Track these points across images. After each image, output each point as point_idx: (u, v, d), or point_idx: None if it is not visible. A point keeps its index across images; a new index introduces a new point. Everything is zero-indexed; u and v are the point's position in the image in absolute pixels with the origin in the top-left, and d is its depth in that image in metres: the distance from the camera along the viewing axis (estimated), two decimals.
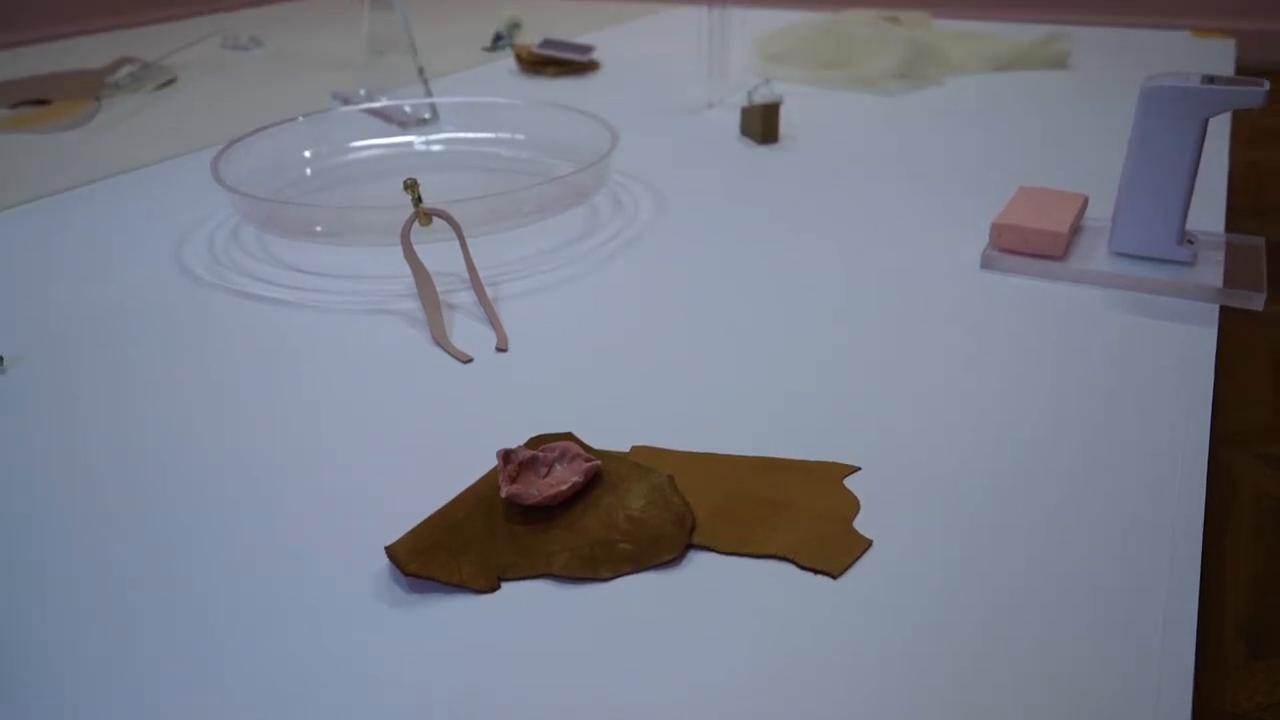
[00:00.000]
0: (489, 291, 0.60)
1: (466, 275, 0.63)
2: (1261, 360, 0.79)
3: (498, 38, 1.44)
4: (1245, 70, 2.03)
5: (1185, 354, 0.51)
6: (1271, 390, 0.74)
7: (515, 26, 1.47)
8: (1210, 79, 0.57)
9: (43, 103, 1.13)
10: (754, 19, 1.65)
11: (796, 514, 0.39)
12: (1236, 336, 0.83)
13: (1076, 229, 0.65)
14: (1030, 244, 0.61)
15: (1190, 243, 0.61)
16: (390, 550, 0.36)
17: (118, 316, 0.58)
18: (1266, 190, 1.19)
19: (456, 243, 0.64)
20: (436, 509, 0.39)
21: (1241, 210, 1.11)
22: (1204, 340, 0.52)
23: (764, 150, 0.88)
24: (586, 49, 1.24)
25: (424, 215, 0.59)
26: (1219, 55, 1.27)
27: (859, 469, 0.42)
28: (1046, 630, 0.33)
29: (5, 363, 0.53)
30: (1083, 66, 1.22)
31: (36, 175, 0.86)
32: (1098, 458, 0.42)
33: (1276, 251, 1.00)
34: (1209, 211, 0.71)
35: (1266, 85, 0.55)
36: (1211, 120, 0.62)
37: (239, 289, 0.62)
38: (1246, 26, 2.06)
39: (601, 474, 0.41)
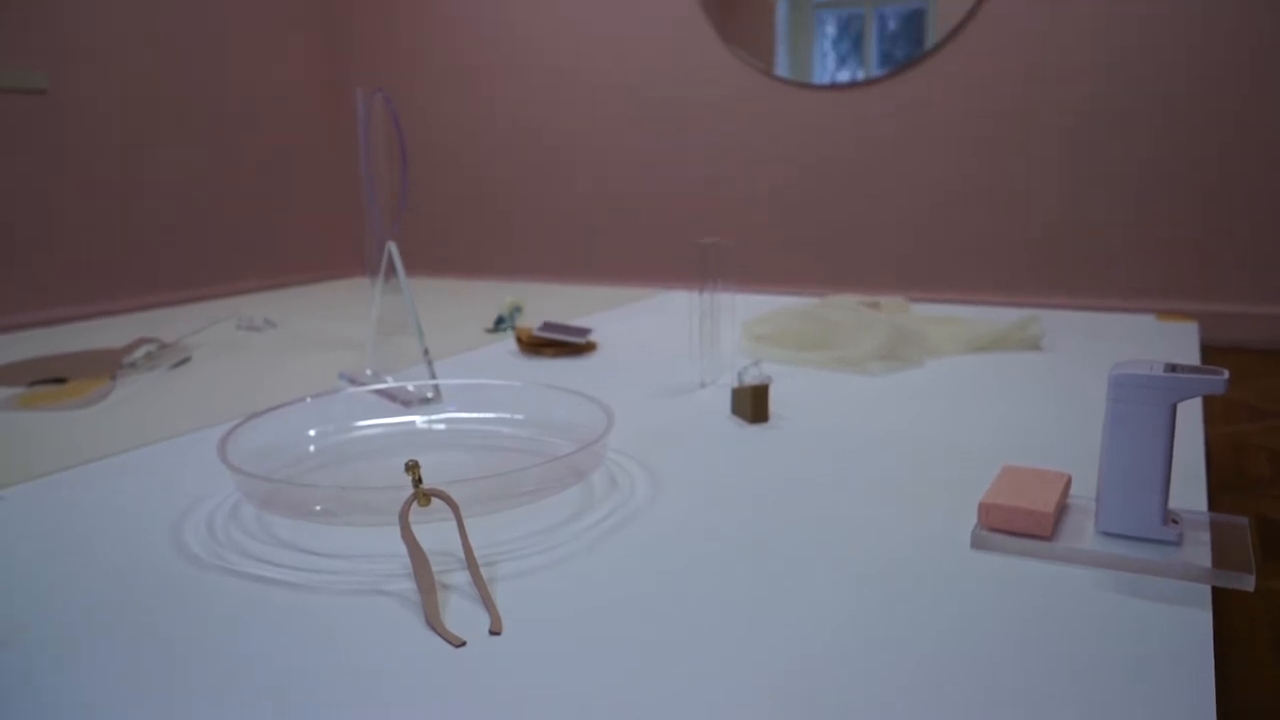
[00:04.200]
0: (484, 572, 0.61)
1: (463, 555, 0.63)
2: (1263, 638, 0.78)
3: (499, 320, 1.52)
4: (1209, 347, 2.13)
5: (1182, 636, 0.51)
6: (1276, 668, 0.73)
7: (517, 310, 1.56)
8: (1173, 367, 0.60)
9: (59, 381, 1.17)
10: (742, 303, 1.75)
11: None
12: (1235, 613, 0.82)
13: (1063, 508, 0.66)
14: (1018, 523, 0.62)
15: (1175, 522, 0.62)
16: None
17: (110, 596, 0.58)
18: (1246, 464, 1.22)
19: (454, 521, 0.65)
20: None
21: (1224, 485, 1.13)
22: (1199, 622, 0.52)
23: (755, 430, 0.91)
24: (584, 331, 1.31)
25: (423, 496, 0.61)
26: (1184, 337, 1.35)
27: None
28: None
29: None
30: (1056, 348, 1.28)
31: (47, 453, 0.88)
32: None
33: (1267, 526, 1.01)
34: (1191, 489, 0.73)
35: (1226, 374, 0.58)
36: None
37: (234, 568, 0.62)
38: (1208, 308, 2.19)
39: None
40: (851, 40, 2.47)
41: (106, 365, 1.25)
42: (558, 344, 1.30)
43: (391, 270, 1.19)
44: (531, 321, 1.57)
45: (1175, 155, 2.19)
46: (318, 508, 0.66)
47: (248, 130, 2.96)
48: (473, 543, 0.65)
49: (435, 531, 0.67)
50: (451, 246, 3.18)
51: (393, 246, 1.18)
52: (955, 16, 2.35)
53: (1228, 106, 2.13)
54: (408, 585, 0.59)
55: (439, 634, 0.53)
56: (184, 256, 2.79)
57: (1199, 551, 0.59)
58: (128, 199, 2.61)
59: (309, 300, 1.93)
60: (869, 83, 2.48)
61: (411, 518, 0.62)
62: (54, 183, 2.44)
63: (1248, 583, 0.56)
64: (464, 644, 0.52)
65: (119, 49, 2.56)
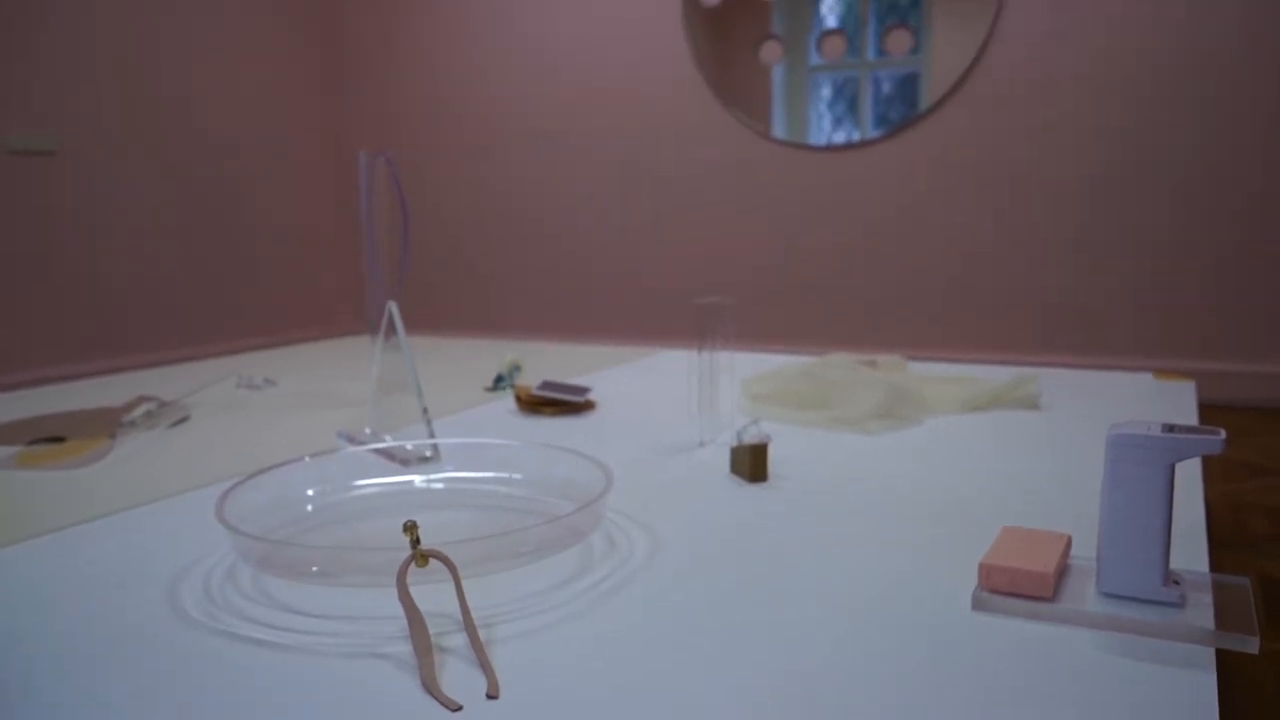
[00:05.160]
0: (482, 634, 0.60)
1: (460, 617, 0.63)
2: (1269, 695, 0.77)
3: (499, 379, 1.52)
4: (1206, 406, 2.14)
5: (1186, 700, 0.50)
6: None
7: (516, 369, 1.56)
8: (1171, 427, 0.60)
9: (57, 440, 1.17)
10: (740, 361, 1.76)
11: None
12: (1239, 674, 0.81)
13: (1063, 569, 0.66)
14: (1018, 585, 0.62)
15: (1176, 583, 0.62)
16: None
17: (104, 657, 0.57)
18: (1245, 522, 1.21)
19: (452, 583, 0.64)
20: None
21: (1224, 543, 1.13)
22: (1204, 686, 0.52)
23: (754, 489, 0.91)
24: (583, 390, 1.31)
25: (421, 557, 0.60)
26: (1181, 396, 1.35)
27: None
28: None
29: None
30: (1053, 407, 1.29)
31: (45, 512, 0.88)
32: None
33: (1269, 584, 1.00)
34: (1192, 549, 0.73)
35: (1223, 433, 0.59)
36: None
37: (229, 630, 0.61)
38: (1205, 367, 2.19)
39: None
40: (847, 102, 2.52)
41: (105, 424, 1.25)
42: (557, 402, 1.30)
43: (392, 329, 1.19)
44: (530, 380, 1.57)
45: (1172, 215, 2.22)
46: (315, 568, 0.65)
47: (250, 190, 2.99)
48: (471, 604, 0.64)
49: (433, 592, 0.66)
50: (451, 305, 3.19)
51: (393, 306, 1.18)
52: (949, 80, 2.39)
53: (1226, 166, 2.16)
54: (404, 647, 0.58)
55: (435, 698, 0.52)
56: (184, 315, 2.80)
57: (1201, 613, 0.59)
58: (129, 257, 2.63)
59: (309, 359, 1.93)
60: (865, 144, 2.52)
61: (409, 579, 0.62)
62: (55, 241, 2.46)
63: (1251, 645, 0.56)
64: (460, 708, 0.51)
65: (121, 111, 2.60)
